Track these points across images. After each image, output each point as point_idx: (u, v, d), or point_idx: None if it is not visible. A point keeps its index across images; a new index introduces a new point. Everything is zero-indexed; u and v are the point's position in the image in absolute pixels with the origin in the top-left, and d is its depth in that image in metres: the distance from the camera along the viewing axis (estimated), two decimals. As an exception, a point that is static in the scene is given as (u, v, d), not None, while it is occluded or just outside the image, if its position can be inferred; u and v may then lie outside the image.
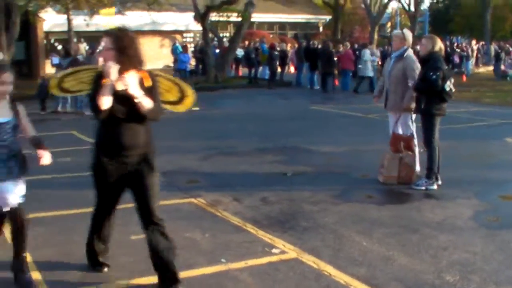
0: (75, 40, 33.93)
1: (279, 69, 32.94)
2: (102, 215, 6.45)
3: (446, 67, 10.07)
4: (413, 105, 10.25)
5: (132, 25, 39.34)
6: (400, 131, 10.58)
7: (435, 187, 9.95)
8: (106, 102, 5.60)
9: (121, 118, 5.75)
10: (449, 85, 9.70)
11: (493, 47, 43.50)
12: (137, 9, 37.31)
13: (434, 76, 9.60)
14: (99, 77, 5.75)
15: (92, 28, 35.62)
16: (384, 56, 32.31)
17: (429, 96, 9.78)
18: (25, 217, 6.13)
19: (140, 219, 6.14)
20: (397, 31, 11.50)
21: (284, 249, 7.09)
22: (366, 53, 28.74)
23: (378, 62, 31.76)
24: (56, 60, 21.27)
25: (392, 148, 10.40)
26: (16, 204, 6.03)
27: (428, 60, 9.87)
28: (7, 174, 5.96)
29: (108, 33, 6.03)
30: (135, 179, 6.04)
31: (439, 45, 10.04)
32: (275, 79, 31.28)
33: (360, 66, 29.14)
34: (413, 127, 10.65)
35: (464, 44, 43.00)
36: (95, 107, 5.65)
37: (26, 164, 6.26)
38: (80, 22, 34.06)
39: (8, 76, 6.00)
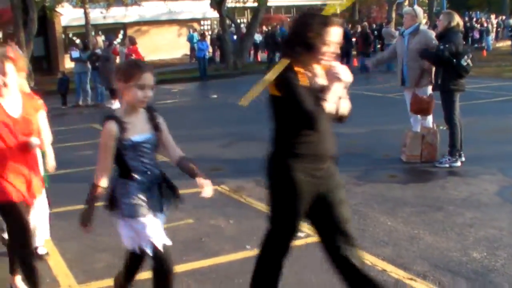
0: (93, 33, 34.07)
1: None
2: (282, 252, 4.98)
3: (464, 42, 9.98)
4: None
5: (148, 15, 39.81)
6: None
7: (458, 164, 9.90)
8: (331, 106, 4.50)
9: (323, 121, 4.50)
10: (465, 60, 9.61)
11: (512, 21, 43.12)
12: (153, -1, 37.45)
13: (441, 47, 9.56)
14: (293, 78, 4.49)
15: (109, 21, 35.82)
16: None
17: (445, 71, 9.71)
18: (172, 266, 4.81)
19: (330, 250, 4.75)
20: (407, 8, 11.51)
21: (309, 233, 7.07)
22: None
23: None
24: (76, 53, 21.35)
25: (412, 107, 10.28)
26: (163, 245, 4.82)
27: (444, 36, 9.82)
28: (155, 208, 4.85)
29: (338, 23, 4.42)
30: (327, 198, 4.69)
31: (457, 20, 9.94)
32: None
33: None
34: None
35: (483, 19, 42.58)
36: (314, 118, 4.37)
37: (176, 190, 5.19)
38: (97, 15, 34.18)
39: (149, 78, 4.71)
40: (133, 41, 19.89)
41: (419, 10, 10.87)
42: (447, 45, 9.58)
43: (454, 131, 9.88)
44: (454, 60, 9.59)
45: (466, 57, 9.63)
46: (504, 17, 48.11)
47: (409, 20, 10.67)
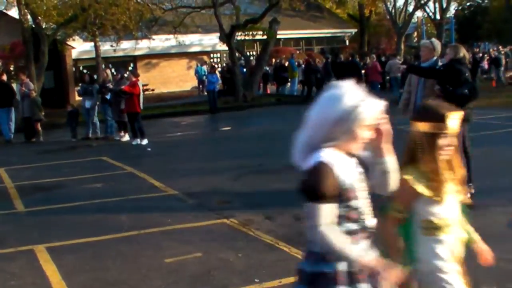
0: (103, 66, 34.27)
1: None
2: None
3: (467, 73, 9.97)
4: None
5: (158, 48, 40.04)
6: None
7: (468, 196, 9.83)
8: None
9: None
10: (462, 90, 9.62)
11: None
12: (163, 33, 37.63)
13: (450, 88, 9.60)
14: None
15: (119, 54, 36.00)
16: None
17: (447, 101, 9.71)
18: None
19: None
20: (425, 41, 11.26)
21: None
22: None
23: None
24: (80, 90, 21.52)
25: None
26: None
27: (448, 65, 9.88)
28: None
29: None
30: None
31: (463, 53, 9.97)
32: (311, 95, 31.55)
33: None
34: None
35: (491, 50, 42.63)
36: None
37: None
38: (108, 48, 34.40)
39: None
40: (135, 74, 19.94)
41: (436, 43, 10.69)
42: (463, 87, 9.63)
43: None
44: (450, 89, 9.60)
45: (465, 87, 9.62)
46: (512, 47, 48.18)
47: (426, 53, 10.55)
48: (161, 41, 39.06)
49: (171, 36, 36.79)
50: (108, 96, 20.14)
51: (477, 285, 6.21)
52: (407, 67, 11.11)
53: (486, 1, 70.99)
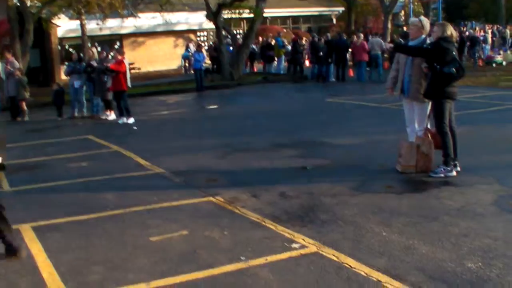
0: (89, 44, 34.09)
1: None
2: None
3: (455, 52, 9.98)
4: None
5: (145, 27, 39.86)
6: (425, 125, 10.50)
7: (454, 174, 9.88)
8: None
9: None
10: (449, 68, 9.64)
11: (508, 31, 43.17)
12: (149, 11, 37.41)
13: (448, 69, 9.65)
14: None
15: (105, 32, 35.81)
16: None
17: (433, 79, 9.76)
18: None
19: None
20: (414, 19, 11.19)
21: (304, 244, 7.06)
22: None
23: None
24: (68, 69, 21.30)
25: (436, 143, 10.25)
26: None
27: (435, 43, 9.90)
28: None
29: None
30: None
31: (450, 31, 9.98)
32: (301, 73, 31.57)
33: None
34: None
35: (478, 29, 42.62)
36: None
37: None
38: (93, 26, 34.20)
39: None
40: (120, 52, 19.80)
41: (425, 21, 10.66)
42: (449, 63, 9.67)
43: (445, 139, 9.87)
44: (438, 67, 9.64)
45: (451, 65, 9.66)
46: (499, 27, 48.15)
47: (415, 31, 10.56)
48: (147, 20, 38.88)
49: (157, 14, 36.57)
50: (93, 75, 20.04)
51: (462, 261, 6.28)
52: (394, 46, 11.14)
53: (473, -20, 71.02)
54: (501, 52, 36.55)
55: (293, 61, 32.59)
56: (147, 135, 16.17)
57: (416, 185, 9.61)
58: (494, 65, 33.98)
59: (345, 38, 31.45)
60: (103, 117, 19.87)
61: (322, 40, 30.82)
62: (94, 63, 20.30)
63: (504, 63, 34.58)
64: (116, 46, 37.32)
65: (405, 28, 37.69)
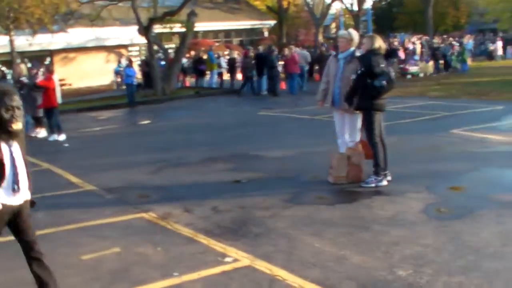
0: (18, 60, 33.54)
1: (225, 77, 33.13)
2: None
3: (384, 64, 10.14)
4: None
5: (75, 42, 39.34)
6: (356, 137, 10.63)
7: (384, 183, 10.01)
8: None
9: None
10: (380, 81, 9.79)
11: (436, 41, 44.06)
12: (80, 26, 37.02)
13: (358, 72, 9.80)
14: None
15: (35, 48, 35.27)
16: (318, 58, 32.42)
17: (363, 92, 9.88)
18: None
19: None
20: (343, 32, 11.29)
21: (237, 257, 7.05)
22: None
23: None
24: None
25: (367, 154, 10.37)
26: None
27: (364, 58, 10.02)
28: None
29: None
30: None
31: (379, 43, 10.12)
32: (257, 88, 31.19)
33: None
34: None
35: (407, 41, 43.39)
36: None
37: None
38: (23, 42, 33.68)
39: None
40: (49, 69, 19.54)
41: (354, 33, 10.80)
42: (363, 69, 9.80)
43: (376, 150, 10.02)
44: (369, 81, 9.78)
45: (381, 78, 9.80)
46: (427, 38, 49.13)
47: (344, 44, 10.66)
48: (78, 35, 38.47)
49: (88, 29, 36.24)
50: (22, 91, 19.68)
51: (393, 270, 6.36)
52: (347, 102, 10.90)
53: (402, -8, 72.60)
54: (421, 63, 36.98)
55: (246, 75, 31.54)
56: (79, 152, 15.96)
57: (347, 196, 9.71)
58: (409, 76, 34.27)
59: (275, 51, 31.54)
60: (33, 134, 19.53)
61: (252, 53, 30.92)
62: (24, 80, 19.96)
63: (421, 74, 35.18)
64: (46, 62, 36.74)
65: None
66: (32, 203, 5.82)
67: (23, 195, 5.55)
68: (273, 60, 29.57)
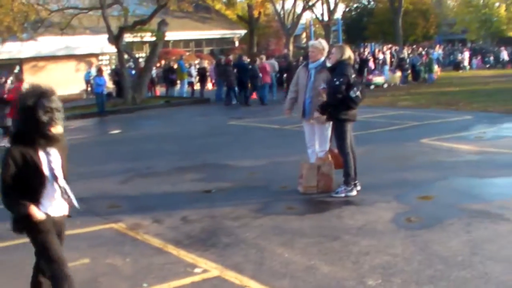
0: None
1: (196, 86, 33.11)
2: None
3: (354, 75, 10.18)
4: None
5: (45, 51, 39.04)
6: (326, 147, 10.65)
7: (354, 193, 10.04)
8: None
9: None
10: (355, 92, 9.82)
11: (406, 51, 44.47)
12: (50, 34, 36.76)
13: (337, 82, 9.78)
14: None
15: (4, 56, 34.97)
16: (287, 67, 32.45)
17: (335, 102, 9.89)
18: None
19: None
20: (314, 42, 11.29)
21: (206, 268, 7.03)
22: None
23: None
24: None
25: (336, 163, 10.40)
26: None
27: (335, 69, 10.01)
28: None
29: None
30: None
31: (348, 54, 10.15)
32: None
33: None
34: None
35: (377, 51, 43.74)
36: None
37: None
38: (-9, 50, 33.42)
39: None
40: (18, 78, 19.41)
41: (325, 43, 10.86)
42: (341, 79, 9.79)
43: (347, 159, 10.05)
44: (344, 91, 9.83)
45: (355, 89, 9.84)
46: (397, 48, 49.54)
47: (315, 54, 10.61)
48: (48, 43, 38.20)
49: (58, 37, 36.00)
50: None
51: (362, 279, 6.37)
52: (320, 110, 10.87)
53: (372, 3, 73.25)
54: (389, 72, 37.18)
55: (228, 84, 30.79)
56: (48, 162, 15.79)
57: (317, 205, 9.73)
58: (372, 87, 34.12)
59: (245, 60, 31.51)
60: (2, 144, 19.35)
61: (223, 62, 30.98)
62: (-9, 89, 19.79)
63: (385, 85, 35.42)
64: (15, 70, 36.48)
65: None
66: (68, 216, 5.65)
67: (62, 209, 5.35)
68: (256, 70, 29.57)
